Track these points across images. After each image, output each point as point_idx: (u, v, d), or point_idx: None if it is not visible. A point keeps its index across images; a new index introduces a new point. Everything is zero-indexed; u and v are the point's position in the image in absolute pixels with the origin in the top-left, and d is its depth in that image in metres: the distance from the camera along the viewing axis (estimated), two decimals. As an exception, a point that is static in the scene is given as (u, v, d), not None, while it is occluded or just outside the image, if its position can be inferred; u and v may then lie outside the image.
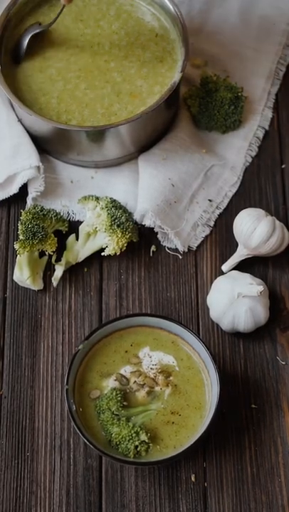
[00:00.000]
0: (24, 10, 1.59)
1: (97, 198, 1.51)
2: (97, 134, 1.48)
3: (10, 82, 1.52)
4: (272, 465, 1.36)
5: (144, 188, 1.52)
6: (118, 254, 1.48)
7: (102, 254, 1.48)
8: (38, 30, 1.55)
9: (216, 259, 1.52)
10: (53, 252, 1.49)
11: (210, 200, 1.56)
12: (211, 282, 1.48)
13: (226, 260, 1.50)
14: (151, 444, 1.31)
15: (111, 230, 1.46)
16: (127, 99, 1.52)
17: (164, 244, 1.53)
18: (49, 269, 1.50)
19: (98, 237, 1.49)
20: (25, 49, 1.54)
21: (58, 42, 1.58)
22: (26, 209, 1.50)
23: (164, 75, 1.54)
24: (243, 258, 1.49)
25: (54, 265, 1.50)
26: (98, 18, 1.59)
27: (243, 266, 1.49)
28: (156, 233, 1.53)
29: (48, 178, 1.55)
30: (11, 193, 1.54)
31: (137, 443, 1.30)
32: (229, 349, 1.45)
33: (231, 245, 1.53)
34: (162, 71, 1.54)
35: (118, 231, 1.46)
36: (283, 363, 1.43)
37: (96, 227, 1.48)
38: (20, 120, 1.56)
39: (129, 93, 1.52)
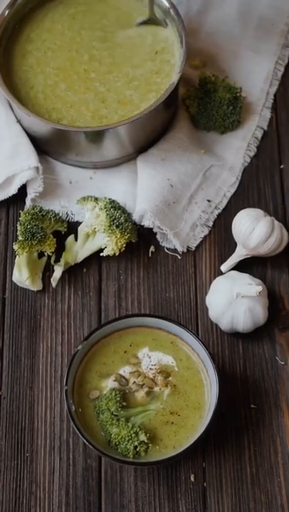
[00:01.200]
0: (23, 11, 1.59)
1: (96, 199, 1.51)
2: (96, 135, 1.48)
3: (8, 82, 1.52)
4: (271, 465, 1.36)
5: (143, 188, 1.53)
6: (117, 254, 1.48)
7: (101, 254, 1.49)
8: None
9: (214, 259, 1.52)
10: (52, 252, 1.49)
11: (209, 201, 1.56)
12: (210, 282, 1.48)
13: (225, 260, 1.50)
14: (150, 445, 1.31)
15: (110, 231, 1.46)
16: (116, 106, 1.52)
17: (162, 244, 1.53)
18: (48, 270, 1.51)
19: (97, 237, 1.49)
20: None
21: (43, 26, 1.59)
22: (25, 210, 1.50)
23: (159, 83, 1.53)
24: (242, 258, 1.49)
25: (53, 266, 1.50)
26: (86, 27, 1.59)
27: (242, 266, 1.50)
28: (155, 234, 1.53)
29: (46, 178, 1.55)
30: (10, 194, 1.54)
31: (136, 443, 1.30)
32: (228, 349, 1.45)
33: (230, 245, 1.53)
34: (158, 80, 1.54)
35: (117, 231, 1.46)
36: (282, 363, 1.44)
37: (95, 228, 1.48)
38: (19, 121, 1.56)
39: (117, 101, 1.52)
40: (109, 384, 1.36)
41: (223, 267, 1.49)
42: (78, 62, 1.56)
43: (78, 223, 1.54)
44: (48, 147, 1.56)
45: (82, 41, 1.58)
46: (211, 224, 1.55)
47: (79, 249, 1.50)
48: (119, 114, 1.51)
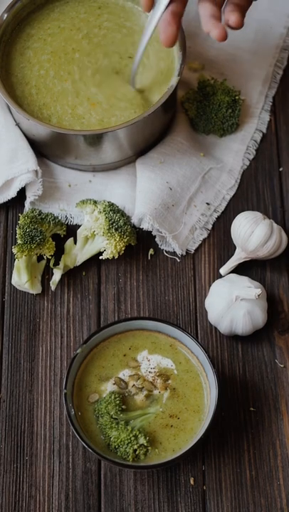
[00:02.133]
0: (21, 14, 1.59)
1: (95, 202, 1.51)
2: (95, 138, 1.48)
3: (6, 84, 1.53)
4: (271, 468, 1.36)
5: (142, 191, 1.53)
6: (116, 257, 1.48)
7: (100, 257, 1.49)
8: None
9: (214, 262, 1.52)
10: (51, 255, 1.49)
11: (208, 204, 1.56)
12: (209, 285, 1.49)
13: (224, 263, 1.50)
14: (149, 448, 1.31)
15: (109, 234, 1.46)
16: (87, 105, 1.52)
17: (162, 247, 1.53)
18: (47, 273, 1.51)
19: (96, 240, 1.49)
20: None
21: (48, 19, 1.60)
22: (24, 213, 1.50)
23: (123, 92, 1.54)
24: (241, 261, 1.49)
25: (52, 269, 1.50)
26: (100, 5, 1.62)
27: (241, 269, 1.50)
28: (154, 237, 1.53)
29: (45, 182, 1.56)
30: (9, 197, 1.54)
31: (135, 446, 1.30)
32: (227, 352, 1.45)
33: (229, 248, 1.53)
34: (116, 84, 1.54)
35: (116, 235, 1.46)
36: (282, 365, 1.44)
37: (94, 231, 1.48)
38: (17, 124, 1.56)
39: (87, 98, 1.52)
40: (109, 387, 1.36)
41: (222, 270, 1.49)
42: (73, 39, 1.58)
43: (77, 226, 1.54)
44: (46, 150, 1.56)
45: (96, 20, 1.60)
46: (210, 227, 1.55)
47: (78, 253, 1.50)
48: (94, 117, 1.51)
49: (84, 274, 1.51)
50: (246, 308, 1.41)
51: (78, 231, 1.51)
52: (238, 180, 1.60)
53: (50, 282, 1.49)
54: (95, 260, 1.51)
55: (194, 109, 1.60)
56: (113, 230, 1.46)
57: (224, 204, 1.58)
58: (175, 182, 1.55)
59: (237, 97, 1.60)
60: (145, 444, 1.30)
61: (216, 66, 1.69)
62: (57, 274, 1.49)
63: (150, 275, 1.51)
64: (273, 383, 1.42)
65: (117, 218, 1.47)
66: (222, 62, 1.69)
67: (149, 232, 1.53)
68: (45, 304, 1.48)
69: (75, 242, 1.51)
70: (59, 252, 1.51)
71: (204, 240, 1.54)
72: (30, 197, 1.53)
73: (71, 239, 1.52)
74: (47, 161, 1.59)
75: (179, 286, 1.50)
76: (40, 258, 1.50)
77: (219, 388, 1.31)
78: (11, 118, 1.57)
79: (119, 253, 1.47)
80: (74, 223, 1.55)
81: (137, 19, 1.61)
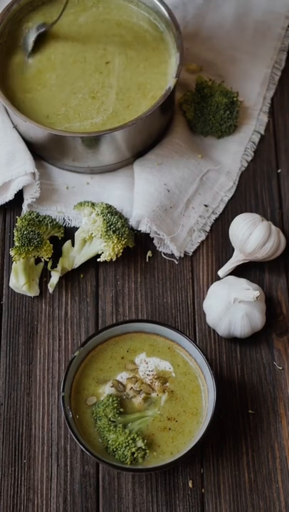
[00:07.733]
0: (18, 17, 1.59)
1: (93, 204, 1.51)
2: (93, 140, 1.48)
3: (3, 85, 1.52)
4: (269, 470, 1.36)
5: (140, 193, 1.52)
6: (114, 260, 1.48)
7: (98, 260, 1.48)
8: (42, 30, 1.56)
9: (212, 264, 1.52)
10: (49, 258, 1.49)
11: (206, 206, 1.56)
12: (208, 288, 1.48)
13: (222, 265, 1.50)
14: (148, 451, 1.31)
15: (107, 236, 1.46)
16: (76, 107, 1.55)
17: (160, 249, 1.53)
18: (45, 276, 1.50)
19: (94, 243, 1.49)
20: (32, 47, 1.56)
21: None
22: (22, 215, 1.50)
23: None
24: (240, 263, 1.49)
25: (50, 271, 1.49)
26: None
27: (239, 271, 1.49)
28: (152, 239, 1.53)
29: (43, 184, 1.55)
30: (7, 200, 1.54)
31: (133, 449, 1.29)
32: (226, 354, 1.45)
33: (227, 250, 1.53)
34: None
35: (114, 237, 1.46)
36: (280, 368, 1.43)
37: (92, 233, 1.48)
38: (15, 126, 1.56)
39: (79, 100, 1.55)
40: (107, 390, 1.35)
41: (221, 272, 1.49)
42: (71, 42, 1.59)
43: (75, 229, 1.54)
44: (44, 152, 1.56)
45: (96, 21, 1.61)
46: (208, 229, 1.55)
47: (76, 255, 1.50)
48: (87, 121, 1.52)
49: (82, 276, 1.51)
50: (244, 310, 1.40)
51: (76, 233, 1.51)
52: (236, 182, 1.59)
53: (48, 285, 1.49)
54: (92, 262, 1.51)
55: (192, 110, 1.59)
56: (111, 233, 1.46)
57: (222, 206, 1.57)
58: (173, 184, 1.55)
59: (235, 99, 1.60)
60: (143, 447, 1.30)
61: (213, 68, 1.69)
62: (55, 277, 1.49)
63: (148, 277, 1.51)
64: (272, 386, 1.42)
65: (114, 220, 1.47)
66: (220, 63, 1.69)
67: (147, 235, 1.52)
68: (43, 307, 1.48)
69: (73, 245, 1.51)
70: (57, 254, 1.50)
71: (202, 242, 1.54)
72: (27, 199, 1.53)
73: (69, 241, 1.51)
74: (44, 164, 1.58)
75: (177, 288, 1.50)
76: (37, 261, 1.50)
77: (217, 391, 1.31)
78: (8, 120, 1.56)
79: (117, 255, 1.47)
80: (72, 225, 1.54)
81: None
